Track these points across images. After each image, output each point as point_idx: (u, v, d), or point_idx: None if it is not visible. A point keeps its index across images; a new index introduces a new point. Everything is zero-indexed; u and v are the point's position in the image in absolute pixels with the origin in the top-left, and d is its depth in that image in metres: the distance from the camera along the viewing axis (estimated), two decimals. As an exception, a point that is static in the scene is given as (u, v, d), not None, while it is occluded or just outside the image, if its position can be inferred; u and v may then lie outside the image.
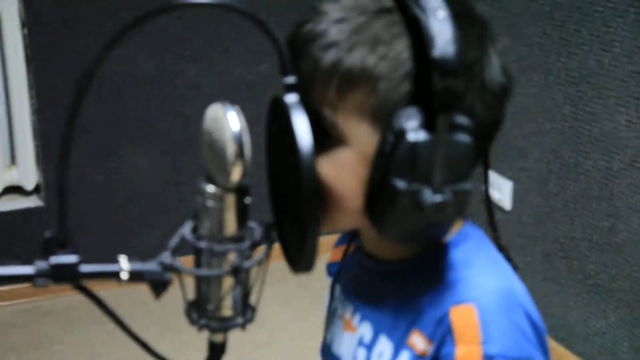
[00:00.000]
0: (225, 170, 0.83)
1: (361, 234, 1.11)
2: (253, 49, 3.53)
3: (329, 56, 0.93)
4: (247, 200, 0.86)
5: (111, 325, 0.91)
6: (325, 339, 1.20)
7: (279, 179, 0.93)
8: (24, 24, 3.19)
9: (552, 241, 3.03)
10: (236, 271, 0.85)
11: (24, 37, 3.19)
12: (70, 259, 0.82)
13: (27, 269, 0.81)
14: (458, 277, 0.99)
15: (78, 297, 0.89)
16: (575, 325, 2.99)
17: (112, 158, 3.49)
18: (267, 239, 0.89)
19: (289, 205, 0.89)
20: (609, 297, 2.86)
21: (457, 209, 0.91)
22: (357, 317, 1.11)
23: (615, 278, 2.82)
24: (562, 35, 2.87)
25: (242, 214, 0.86)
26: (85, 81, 0.78)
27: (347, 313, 1.13)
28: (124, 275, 0.84)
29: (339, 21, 0.94)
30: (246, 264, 0.86)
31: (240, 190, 0.85)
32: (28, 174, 3.35)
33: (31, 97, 3.27)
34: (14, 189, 3.40)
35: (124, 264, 0.84)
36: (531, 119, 3.04)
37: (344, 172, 0.95)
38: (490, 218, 1.11)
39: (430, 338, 0.98)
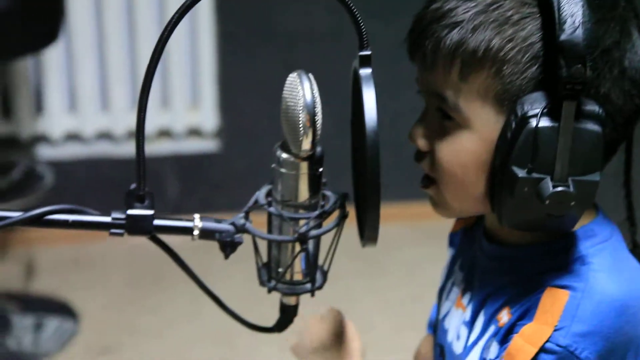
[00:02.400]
0: (297, 139, 0.84)
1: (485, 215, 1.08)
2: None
3: (453, 36, 0.91)
4: (320, 169, 0.87)
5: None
6: (438, 313, 1.18)
7: (358, 150, 0.93)
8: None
9: None
10: (303, 239, 0.87)
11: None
12: (145, 212, 0.86)
13: (104, 218, 0.86)
14: (571, 269, 0.95)
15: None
16: None
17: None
18: (340, 209, 0.90)
19: (363, 178, 0.90)
20: None
21: (580, 201, 0.88)
22: (467, 297, 1.09)
23: None
24: None
25: (315, 182, 0.87)
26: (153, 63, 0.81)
27: (461, 291, 1.11)
28: (196, 232, 0.87)
29: (467, 0, 0.91)
30: (313, 232, 0.87)
31: (313, 159, 0.86)
32: (209, 117, 3.45)
33: (215, 43, 3.37)
34: (195, 132, 3.51)
35: (197, 222, 0.87)
36: None
37: (466, 157, 0.94)
38: (630, 212, 1.05)
39: (514, 311, 0.96)
